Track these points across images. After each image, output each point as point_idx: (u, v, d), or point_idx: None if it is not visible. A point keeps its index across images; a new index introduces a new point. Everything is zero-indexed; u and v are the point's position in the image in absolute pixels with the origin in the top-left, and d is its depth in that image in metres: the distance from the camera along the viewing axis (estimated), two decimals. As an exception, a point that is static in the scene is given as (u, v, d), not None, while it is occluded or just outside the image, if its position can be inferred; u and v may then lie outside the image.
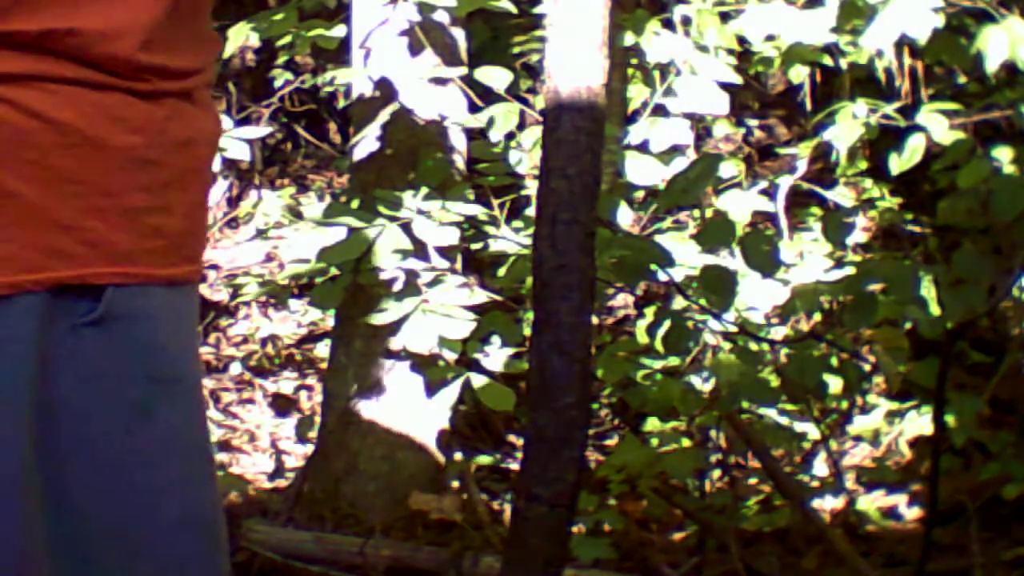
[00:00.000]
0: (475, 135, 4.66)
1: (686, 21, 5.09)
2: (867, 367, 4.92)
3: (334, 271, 4.75)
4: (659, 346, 4.09)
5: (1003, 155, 4.57)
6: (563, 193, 3.03)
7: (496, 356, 4.61)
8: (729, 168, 5.28)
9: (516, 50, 6.45)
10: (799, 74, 5.42)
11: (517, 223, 4.73)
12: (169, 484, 1.78)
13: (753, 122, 7.33)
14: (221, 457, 5.75)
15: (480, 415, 5.65)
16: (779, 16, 4.79)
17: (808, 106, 6.38)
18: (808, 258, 5.22)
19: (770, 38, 5.08)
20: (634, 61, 5.34)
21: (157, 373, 1.77)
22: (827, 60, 5.28)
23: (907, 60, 5.60)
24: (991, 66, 4.48)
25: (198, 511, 1.83)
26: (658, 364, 4.67)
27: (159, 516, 1.77)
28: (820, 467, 5.26)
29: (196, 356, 1.89)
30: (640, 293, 5.42)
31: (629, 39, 4.92)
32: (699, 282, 4.01)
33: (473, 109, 4.78)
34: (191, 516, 1.82)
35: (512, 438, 5.88)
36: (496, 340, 4.58)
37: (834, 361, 4.15)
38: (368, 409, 5.00)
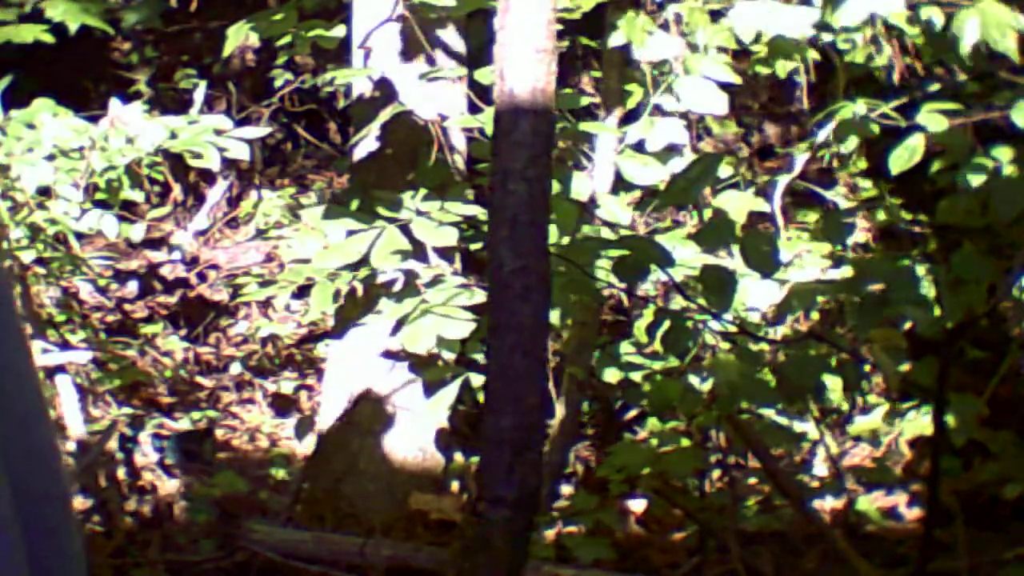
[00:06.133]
0: (475, 135, 4.66)
1: (679, 20, 5.09)
2: (867, 367, 4.91)
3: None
4: (659, 346, 4.08)
5: (1003, 155, 4.57)
6: (522, 195, 3.05)
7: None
8: (727, 168, 5.28)
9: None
10: (784, 69, 5.41)
11: (517, 223, 4.73)
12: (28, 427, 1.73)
13: (752, 122, 7.33)
14: (222, 456, 5.76)
15: (480, 415, 5.64)
16: (764, 11, 4.79)
17: (806, 106, 6.38)
18: (806, 258, 5.22)
19: (761, 36, 5.08)
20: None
21: None
22: (813, 55, 5.28)
23: (907, 60, 5.60)
24: (964, 48, 4.48)
25: (46, 448, 1.77)
26: (658, 364, 4.67)
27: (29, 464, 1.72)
28: (820, 467, 5.26)
29: None
30: (640, 293, 5.41)
31: (623, 38, 4.91)
32: (699, 282, 4.01)
33: (473, 109, 4.78)
34: (41, 452, 1.76)
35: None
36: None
37: (832, 361, 4.14)
38: (368, 409, 5.01)
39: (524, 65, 3.06)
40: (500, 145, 3.08)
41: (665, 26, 5.06)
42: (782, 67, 5.31)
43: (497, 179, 3.07)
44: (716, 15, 5.08)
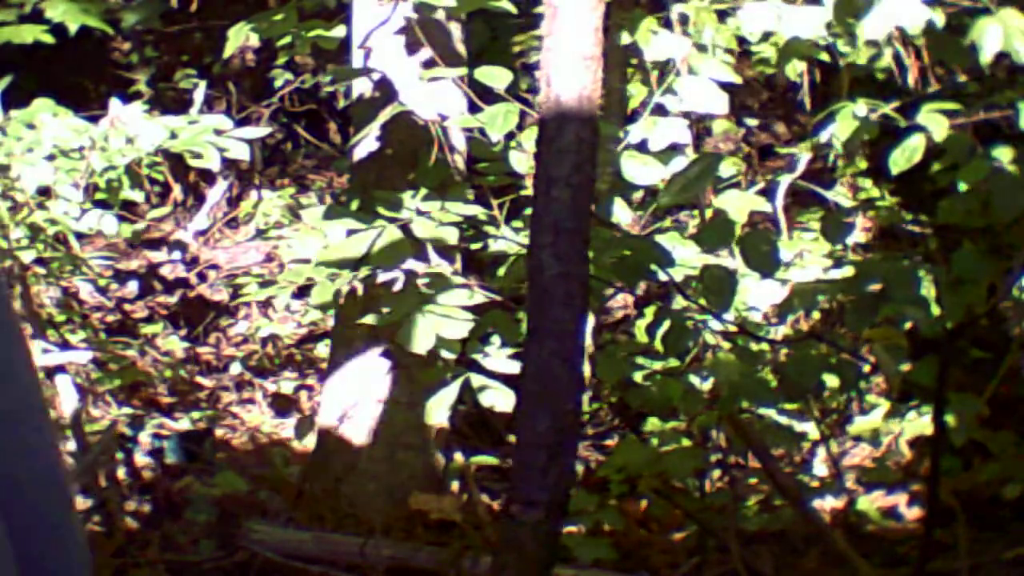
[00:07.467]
0: (475, 135, 4.66)
1: (684, 20, 5.08)
2: (867, 367, 4.91)
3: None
4: (659, 346, 4.08)
5: (1003, 155, 4.57)
6: (566, 202, 3.04)
7: (496, 356, 4.61)
8: (728, 168, 5.28)
9: (516, 50, 6.45)
10: (795, 70, 5.41)
11: (517, 223, 4.73)
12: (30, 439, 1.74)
13: (753, 122, 7.33)
14: (222, 456, 5.76)
15: (480, 415, 5.65)
16: (776, 12, 4.79)
17: (808, 106, 6.39)
18: (808, 258, 5.22)
19: (767, 36, 5.09)
20: (633, 61, 5.34)
21: None
22: (824, 56, 5.28)
23: (910, 60, 5.60)
24: (985, 57, 4.47)
25: (39, 447, 1.79)
26: (658, 364, 4.67)
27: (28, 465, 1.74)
28: (820, 467, 5.26)
29: None
30: (640, 293, 5.41)
31: (627, 38, 4.91)
32: (699, 282, 4.01)
33: (473, 109, 4.78)
34: (33, 452, 1.78)
35: (512, 438, 5.88)
36: (496, 340, 4.58)
37: (832, 360, 4.14)
38: (368, 409, 5.00)
39: (571, 72, 3.06)
40: (544, 151, 3.08)
41: (668, 25, 5.06)
42: (792, 69, 5.31)
43: (540, 185, 3.07)
44: (723, 15, 5.08)
